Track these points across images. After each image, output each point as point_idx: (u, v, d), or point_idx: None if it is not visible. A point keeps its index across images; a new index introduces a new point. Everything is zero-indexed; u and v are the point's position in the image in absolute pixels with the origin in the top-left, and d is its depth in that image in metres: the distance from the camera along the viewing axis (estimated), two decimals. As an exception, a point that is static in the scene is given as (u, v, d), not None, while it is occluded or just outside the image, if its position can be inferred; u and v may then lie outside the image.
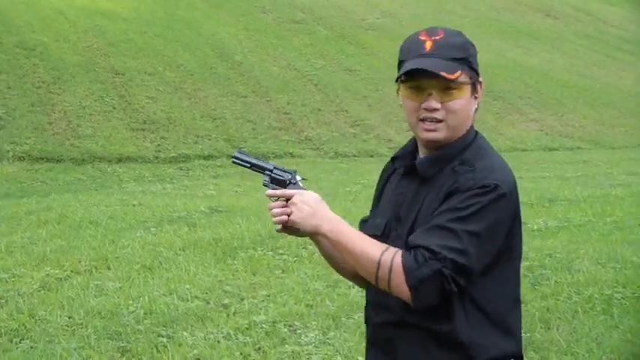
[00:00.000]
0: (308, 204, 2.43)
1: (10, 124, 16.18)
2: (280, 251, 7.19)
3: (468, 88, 2.37)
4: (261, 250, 7.20)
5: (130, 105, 18.01)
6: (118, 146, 16.04)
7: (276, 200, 2.52)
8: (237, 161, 2.64)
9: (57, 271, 6.85)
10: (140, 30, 22.05)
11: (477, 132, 2.44)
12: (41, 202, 10.91)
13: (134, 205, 10.13)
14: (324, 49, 23.73)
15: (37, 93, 17.60)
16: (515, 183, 2.36)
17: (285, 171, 2.57)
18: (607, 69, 27.38)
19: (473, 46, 2.41)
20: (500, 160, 2.37)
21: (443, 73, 2.31)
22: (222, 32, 23.37)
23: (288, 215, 2.46)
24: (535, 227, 7.94)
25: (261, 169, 2.61)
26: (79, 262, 7.10)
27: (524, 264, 6.22)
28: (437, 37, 2.37)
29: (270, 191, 2.54)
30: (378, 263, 2.29)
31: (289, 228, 2.49)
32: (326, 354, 5.05)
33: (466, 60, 2.36)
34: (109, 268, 6.95)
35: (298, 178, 2.56)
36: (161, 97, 18.60)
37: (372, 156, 17.62)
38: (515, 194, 2.33)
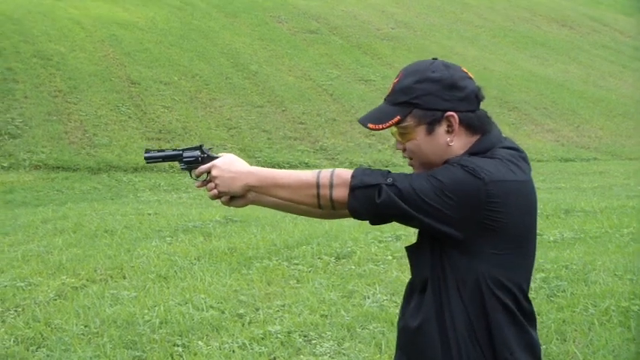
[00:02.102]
0: (226, 171, 2.57)
1: (27, 133, 16.27)
2: (295, 261, 7.19)
3: (419, 130, 2.41)
4: (276, 260, 7.21)
5: (145, 114, 18.08)
6: (134, 155, 16.09)
7: (201, 180, 2.66)
8: (151, 161, 2.74)
9: (73, 280, 6.87)
10: (156, 40, 22.14)
11: (495, 149, 2.43)
12: (57, 210, 10.95)
13: (149, 215, 10.15)
14: (339, 59, 23.75)
15: (54, 102, 17.69)
16: (506, 184, 2.33)
17: (193, 149, 2.68)
18: (623, 80, 27.28)
19: (433, 81, 2.39)
20: (498, 163, 2.37)
21: (370, 125, 2.44)
22: (237, 42, 23.44)
23: (216, 188, 2.60)
24: (551, 238, 7.91)
25: (173, 159, 2.71)
26: (95, 271, 7.12)
27: (539, 275, 6.21)
28: (395, 80, 2.46)
29: (195, 172, 2.67)
30: (317, 182, 2.42)
31: (230, 199, 2.62)
32: (341, 365, 5.04)
33: (409, 103, 2.40)
34: (124, 277, 6.96)
35: (206, 149, 2.67)
36: (177, 106, 18.66)
37: (387, 166, 17.60)
38: (496, 193, 2.31)
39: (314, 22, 26.63)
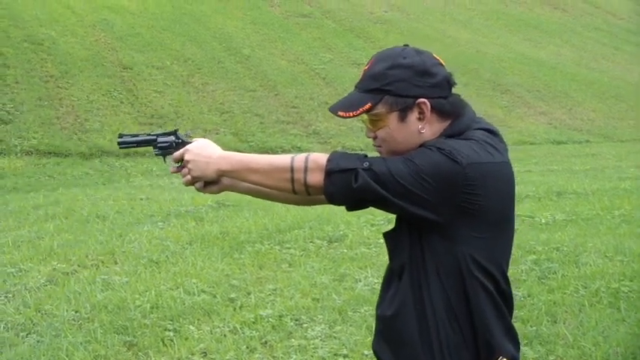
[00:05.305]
0: (199, 155, 2.55)
1: (18, 119, 16.20)
2: (287, 245, 7.18)
3: (390, 117, 2.37)
4: (268, 244, 7.20)
5: (137, 99, 18.02)
6: (126, 140, 16.03)
7: (176, 166, 2.64)
8: (124, 146, 2.71)
9: (64, 266, 6.86)
10: (148, 24, 22.05)
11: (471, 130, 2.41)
12: (49, 196, 10.92)
13: (141, 200, 10.14)
14: (332, 43, 23.69)
15: (45, 87, 17.62)
16: (484, 166, 2.31)
17: (167, 134, 2.66)
18: (616, 62, 27.28)
19: (405, 67, 2.36)
20: (474, 144, 2.34)
21: (340, 113, 2.40)
22: (229, 26, 23.35)
23: (190, 174, 2.58)
24: (543, 221, 7.91)
25: (147, 144, 2.67)
26: (86, 256, 7.11)
27: (530, 257, 6.22)
28: (366, 67, 2.42)
29: (170, 158, 2.66)
30: (291, 166, 2.39)
31: (205, 185, 2.61)
32: (332, 348, 5.04)
33: (381, 90, 2.36)
34: (115, 263, 6.95)
35: (181, 134, 2.65)
36: (169, 91, 18.60)
37: (379, 150, 17.57)
38: (474, 176, 2.28)
39: (306, 5, 26.55)
